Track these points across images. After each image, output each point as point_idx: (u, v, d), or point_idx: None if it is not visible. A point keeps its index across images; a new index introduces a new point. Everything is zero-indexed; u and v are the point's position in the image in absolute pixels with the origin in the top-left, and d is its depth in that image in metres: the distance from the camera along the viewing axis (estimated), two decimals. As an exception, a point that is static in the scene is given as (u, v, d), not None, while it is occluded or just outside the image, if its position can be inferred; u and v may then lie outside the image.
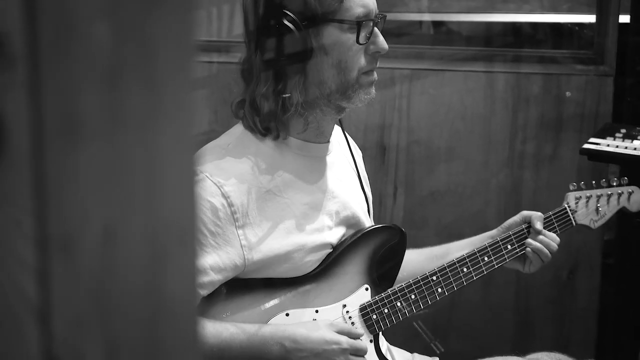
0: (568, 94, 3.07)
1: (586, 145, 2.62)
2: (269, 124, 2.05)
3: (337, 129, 2.25)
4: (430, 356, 2.37)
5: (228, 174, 2.01)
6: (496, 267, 2.27)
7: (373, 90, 2.08)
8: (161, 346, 0.71)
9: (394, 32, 2.08)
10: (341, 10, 2.00)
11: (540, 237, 2.26)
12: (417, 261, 2.31)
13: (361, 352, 2.07)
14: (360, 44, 2.02)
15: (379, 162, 3.09)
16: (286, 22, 1.97)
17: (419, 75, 3.08)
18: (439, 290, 2.21)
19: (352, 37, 2.01)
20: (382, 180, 3.10)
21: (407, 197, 3.13)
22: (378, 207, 3.09)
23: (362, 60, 2.04)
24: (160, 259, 0.70)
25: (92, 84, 0.66)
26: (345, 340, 2.04)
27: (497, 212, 2.99)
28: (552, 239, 2.27)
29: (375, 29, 2.05)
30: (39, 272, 0.65)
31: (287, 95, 2.01)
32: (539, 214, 2.29)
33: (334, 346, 2.03)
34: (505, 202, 3.06)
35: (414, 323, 2.19)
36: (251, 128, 2.07)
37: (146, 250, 0.69)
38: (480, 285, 3.14)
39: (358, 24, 2.01)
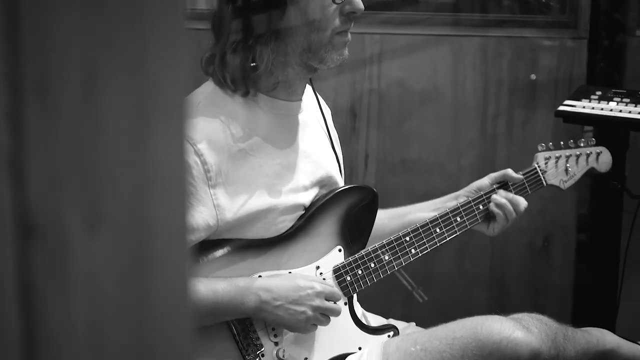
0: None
1: (561, 108, 2.61)
2: (238, 79, 1.99)
3: (307, 88, 2.20)
4: (407, 322, 2.32)
5: (200, 132, 1.97)
6: (469, 227, 2.25)
7: (346, 51, 2.05)
8: (147, 215, 0.63)
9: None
10: None
11: (510, 195, 2.24)
12: (377, 219, 2.26)
13: (335, 297, 2.04)
14: (336, 4, 1.98)
15: (350, 129, 3.04)
16: None
17: (389, 41, 3.03)
18: (413, 251, 2.19)
19: None
20: (353, 148, 3.05)
21: (379, 164, 3.08)
22: (349, 175, 3.04)
23: (337, 20, 2.00)
24: (148, 116, 0.62)
25: None
26: (319, 285, 2.03)
27: (469, 178, 2.92)
28: (520, 200, 2.25)
29: None
30: (10, 116, 0.57)
31: (257, 50, 1.97)
32: (509, 169, 2.27)
33: (309, 291, 2.01)
34: (478, 168, 3.03)
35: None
36: (221, 83, 2.02)
37: (132, 102, 0.61)
38: (454, 257, 3.11)
39: None
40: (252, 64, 1.98)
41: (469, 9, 3.21)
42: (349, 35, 2.03)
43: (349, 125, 3.06)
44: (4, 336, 0.60)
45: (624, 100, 2.59)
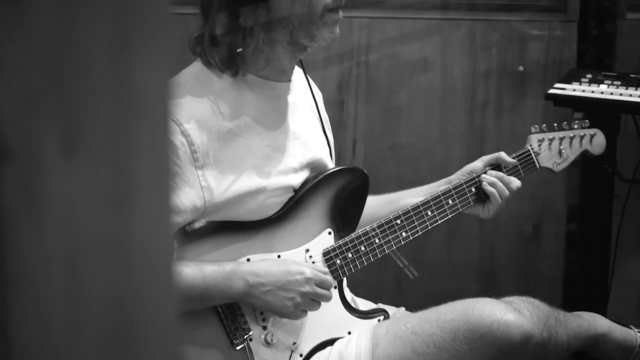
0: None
1: (552, 91, 2.59)
2: (227, 59, 1.96)
3: (297, 70, 2.17)
4: (397, 307, 2.29)
5: (187, 112, 1.94)
6: (460, 210, 2.22)
7: (337, 29, 2.02)
8: (127, 138, 0.59)
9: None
10: None
11: (501, 174, 2.22)
12: (369, 206, 2.24)
13: (326, 284, 2.00)
14: None
15: (338, 115, 3.01)
16: None
17: (378, 24, 3.00)
18: (404, 234, 2.15)
19: None
20: (341, 133, 3.02)
21: (367, 150, 3.05)
22: (337, 161, 3.02)
23: None
24: (129, 30, 0.59)
25: None
26: (309, 270, 1.99)
27: (459, 164, 2.90)
28: (511, 178, 2.22)
29: None
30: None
31: (247, 29, 1.94)
32: (502, 152, 2.24)
33: (298, 276, 1.98)
34: (467, 153, 3.00)
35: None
36: (209, 64, 1.99)
37: (112, 15, 0.58)
38: (443, 244, 3.08)
39: None
40: (242, 43, 1.95)
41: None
42: (341, 13, 2.01)
43: (336, 111, 3.03)
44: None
45: (615, 82, 2.57)
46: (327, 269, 2.07)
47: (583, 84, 2.58)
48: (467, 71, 3.03)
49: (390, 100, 3.06)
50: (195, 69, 2.02)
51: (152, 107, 0.61)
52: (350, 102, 3.04)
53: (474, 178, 2.22)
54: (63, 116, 0.57)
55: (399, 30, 3.01)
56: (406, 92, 3.05)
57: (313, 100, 2.21)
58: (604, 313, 2.68)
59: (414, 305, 2.27)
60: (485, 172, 2.22)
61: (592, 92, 2.55)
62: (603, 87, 2.56)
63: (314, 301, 2.01)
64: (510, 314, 2.03)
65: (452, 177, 2.26)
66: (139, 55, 0.60)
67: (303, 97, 2.18)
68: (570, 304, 3.00)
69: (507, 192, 2.19)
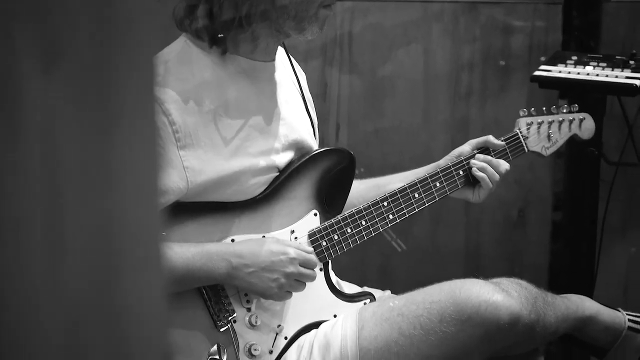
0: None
1: (537, 73, 2.57)
2: (219, 36, 1.94)
3: (280, 50, 2.15)
4: (382, 290, 2.27)
5: (169, 91, 1.91)
6: (448, 193, 2.20)
7: (325, 26, 2.01)
8: (111, 53, 0.56)
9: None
10: None
11: (489, 158, 2.20)
12: (356, 190, 2.22)
13: (311, 264, 1.99)
14: None
15: (321, 99, 2.98)
16: None
17: (361, 7, 2.97)
18: (390, 216, 2.14)
19: None
20: (324, 118, 2.99)
21: (351, 135, 3.03)
22: (320, 146, 3.00)
23: None
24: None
25: None
26: (293, 250, 1.97)
27: (444, 148, 2.90)
28: (500, 161, 2.20)
29: None
30: None
31: (243, 10, 1.91)
32: (490, 136, 2.23)
33: (282, 257, 1.96)
34: (452, 138, 2.98)
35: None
36: (200, 37, 1.96)
37: None
38: (429, 230, 3.06)
39: None
40: (237, 25, 1.92)
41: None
42: (332, 10, 2.00)
43: (319, 95, 3.00)
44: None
45: (601, 64, 2.55)
46: (311, 248, 2.04)
47: (569, 65, 2.56)
48: (451, 52, 3.01)
49: (373, 84, 3.03)
50: (178, 47, 1.99)
51: (137, 26, 0.57)
52: (333, 87, 3.02)
53: (462, 161, 2.20)
54: (42, 30, 0.53)
55: (382, 13, 2.99)
56: (390, 75, 3.03)
57: (296, 80, 2.19)
58: (590, 297, 2.67)
59: (399, 291, 2.25)
60: (473, 156, 2.20)
61: (578, 73, 2.53)
62: (589, 68, 2.55)
63: (298, 282, 1.99)
64: (498, 294, 2.01)
65: (440, 161, 2.24)
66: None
67: (286, 77, 2.16)
68: (556, 289, 2.99)
69: (497, 176, 2.17)
